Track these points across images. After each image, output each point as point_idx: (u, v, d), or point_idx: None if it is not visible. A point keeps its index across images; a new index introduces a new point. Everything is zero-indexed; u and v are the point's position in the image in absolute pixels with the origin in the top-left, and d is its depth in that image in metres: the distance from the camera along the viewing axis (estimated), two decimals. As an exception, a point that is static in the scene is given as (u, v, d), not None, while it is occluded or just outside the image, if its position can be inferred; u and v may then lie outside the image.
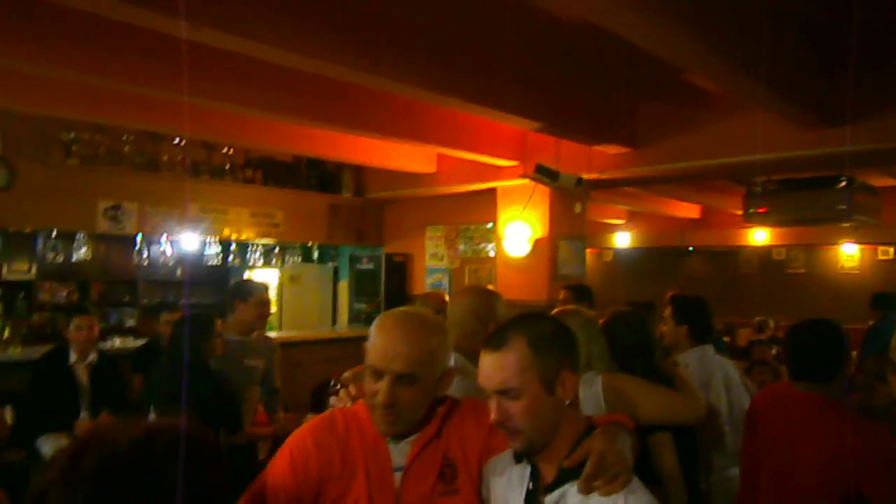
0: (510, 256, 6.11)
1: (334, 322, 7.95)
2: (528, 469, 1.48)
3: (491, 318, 2.33)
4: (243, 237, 6.60)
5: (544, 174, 5.21)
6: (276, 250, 7.29)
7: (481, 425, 1.59)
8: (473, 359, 2.23)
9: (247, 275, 7.05)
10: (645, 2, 2.69)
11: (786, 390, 2.50)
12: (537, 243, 6.02)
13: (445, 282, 7.24)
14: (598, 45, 3.82)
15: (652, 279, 11.69)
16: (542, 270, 6.03)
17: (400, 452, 1.58)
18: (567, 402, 1.43)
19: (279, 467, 1.58)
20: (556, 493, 1.41)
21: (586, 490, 1.36)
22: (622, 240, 11.36)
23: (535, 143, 5.62)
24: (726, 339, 8.40)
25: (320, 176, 7.17)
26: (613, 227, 11.22)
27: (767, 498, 2.43)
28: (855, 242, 9.91)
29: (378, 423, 1.56)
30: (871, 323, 6.60)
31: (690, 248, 11.56)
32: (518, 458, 1.49)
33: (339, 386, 4.88)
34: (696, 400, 2.52)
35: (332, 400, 2.98)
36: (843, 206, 6.15)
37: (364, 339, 1.84)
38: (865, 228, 8.07)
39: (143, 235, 6.10)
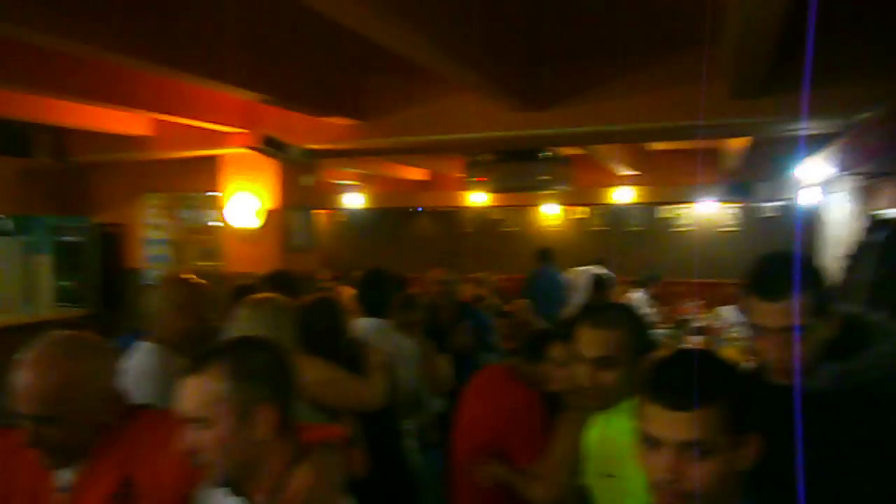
0: (237, 227, 5.87)
1: (31, 302, 6.96)
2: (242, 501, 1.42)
3: (190, 306, 2.40)
4: None
5: (272, 146, 5.06)
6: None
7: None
8: (179, 349, 2.29)
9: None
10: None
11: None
12: (268, 214, 5.85)
13: (169, 253, 6.75)
14: (324, 19, 3.75)
15: (384, 238, 12.13)
16: (272, 241, 5.89)
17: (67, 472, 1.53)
18: (264, 438, 1.35)
19: None
20: None
21: None
22: (355, 200, 11.54)
23: (262, 112, 5.40)
24: (450, 295, 9.06)
25: (6, 136, 6.12)
26: (346, 188, 11.34)
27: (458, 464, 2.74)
28: (557, 204, 11.23)
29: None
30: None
31: (419, 209, 12.13)
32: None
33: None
34: (375, 386, 2.63)
35: None
36: (545, 177, 6.91)
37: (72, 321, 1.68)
38: (563, 192, 9.20)
39: None
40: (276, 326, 2.46)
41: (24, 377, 1.45)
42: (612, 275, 8.19)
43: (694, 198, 9.84)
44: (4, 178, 6.08)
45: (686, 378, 1.19)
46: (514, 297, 8.77)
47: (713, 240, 10.52)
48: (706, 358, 1.27)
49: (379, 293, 3.41)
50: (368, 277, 3.52)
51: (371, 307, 3.36)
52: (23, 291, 6.89)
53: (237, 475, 1.37)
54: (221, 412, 1.32)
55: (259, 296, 2.67)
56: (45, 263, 6.95)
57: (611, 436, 1.90)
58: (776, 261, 1.54)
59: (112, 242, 6.76)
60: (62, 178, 6.56)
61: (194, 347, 2.35)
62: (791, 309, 1.44)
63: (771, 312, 1.49)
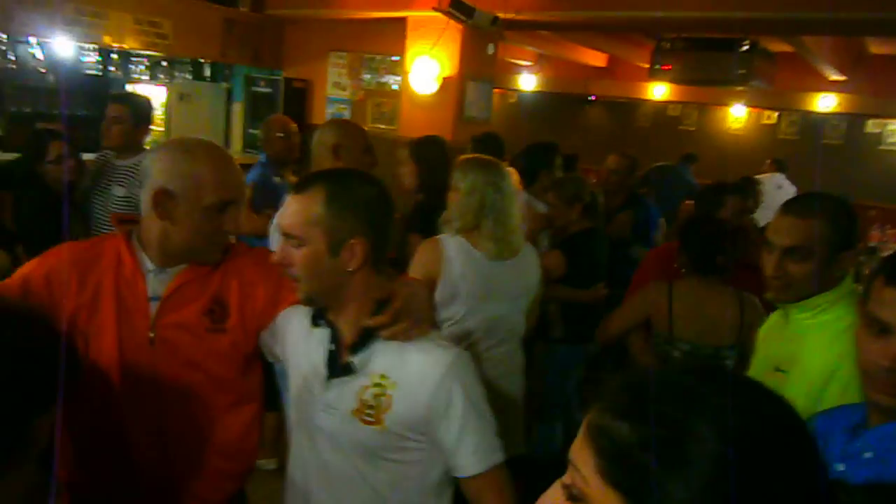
0: (416, 93, 5.93)
1: (227, 146, 7.59)
2: (328, 332, 1.45)
3: (343, 148, 2.49)
4: (126, 46, 5.98)
5: (459, 9, 4.96)
6: (164, 64, 6.70)
7: (268, 276, 1.57)
8: None
9: (128, 88, 6.49)
10: None
11: None
12: (445, 81, 5.84)
13: (347, 113, 6.98)
14: None
15: (554, 125, 11.84)
16: (448, 110, 5.90)
17: (160, 283, 1.53)
18: (351, 269, 1.37)
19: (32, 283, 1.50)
20: (364, 352, 1.39)
21: (390, 335, 1.36)
22: (528, 82, 11.26)
23: (449, -25, 5.28)
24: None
25: (215, -16, 6.48)
26: (520, 69, 11.07)
27: None
28: (745, 105, 10.32)
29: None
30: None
31: (592, 97, 11.65)
32: (315, 322, 1.46)
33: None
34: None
35: None
36: (743, 70, 6.32)
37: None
38: (756, 93, 8.40)
39: (7, 35, 5.40)
40: (486, 184, 2.37)
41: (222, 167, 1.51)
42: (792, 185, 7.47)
43: (913, 113, 8.65)
44: (209, 26, 6.47)
45: None
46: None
47: (926, 163, 9.31)
48: None
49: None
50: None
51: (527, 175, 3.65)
52: (219, 135, 7.51)
53: (320, 297, 1.42)
54: (313, 236, 1.35)
55: (473, 155, 2.57)
56: (238, 111, 7.49)
57: (789, 331, 1.78)
58: None
59: (298, 97, 7.09)
60: (258, 30, 6.88)
61: None
62: None
63: None
